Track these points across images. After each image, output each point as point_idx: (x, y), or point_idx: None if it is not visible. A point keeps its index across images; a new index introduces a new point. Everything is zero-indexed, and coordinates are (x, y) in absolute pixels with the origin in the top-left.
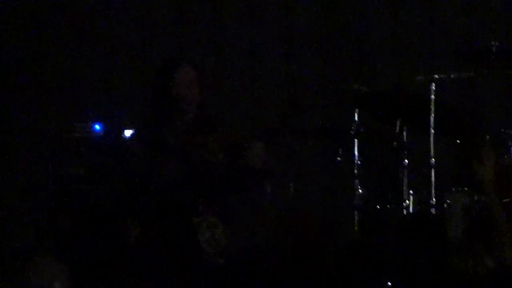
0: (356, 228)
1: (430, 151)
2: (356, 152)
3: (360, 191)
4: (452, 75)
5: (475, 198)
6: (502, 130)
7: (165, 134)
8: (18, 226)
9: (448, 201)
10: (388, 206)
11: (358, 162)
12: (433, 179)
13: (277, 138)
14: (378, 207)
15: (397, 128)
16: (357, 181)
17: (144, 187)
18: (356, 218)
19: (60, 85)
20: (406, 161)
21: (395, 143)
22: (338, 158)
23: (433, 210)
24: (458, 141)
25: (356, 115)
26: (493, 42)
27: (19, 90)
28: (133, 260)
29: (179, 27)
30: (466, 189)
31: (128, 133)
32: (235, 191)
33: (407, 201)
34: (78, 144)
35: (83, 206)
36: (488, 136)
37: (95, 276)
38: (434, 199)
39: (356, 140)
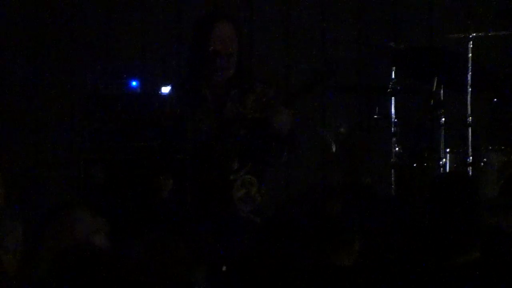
0: (392, 186)
1: (467, 109)
2: (393, 110)
3: (397, 148)
4: (490, 33)
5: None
6: None
7: (202, 89)
8: (53, 180)
9: (485, 160)
10: (424, 164)
11: (395, 119)
12: (469, 137)
13: (314, 94)
14: (414, 165)
15: (434, 86)
16: (394, 139)
17: (180, 142)
18: (393, 175)
19: (96, 42)
20: (443, 119)
21: (432, 101)
22: (375, 116)
23: (469, 169)
24: (495, 99)
25: (393, 72)
26: None
27: (54, 49)
28: (167, 216)
29: None
30: (502, 147)
31: (165, 89)
32: (273, 147)
33: (444, 159)
34: (114, 100)
35: (118, 160)
36: None
37: (130, 230)
38: (470, 158)
39: (393, 97)
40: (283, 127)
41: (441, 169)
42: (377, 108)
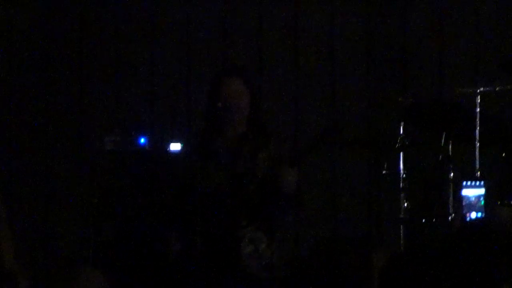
0: (401, 242)
1: (475, 164)
2: (401, 165)
3: (406, 204)
4: (497, 88)
5: None
6: None
7: (215, 145)
8: (62, 236)
9: (494, 215)
10: (433, 219)
11: (404, 174)
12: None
13: (323, 146)
14: (423, 220)
15: (443, 140)
16: (402, 194)
17: (190, 199)
18: (402, 231)
19: (105, 99)
20: (452, 174)
21: (440, 156)
22: (384, 171)
23: (479, 224)
24: (503, 154)
25: (401, 127)
26: None
27: (65, 105)
28: (175, 271)
29: (224, 39)
30: None
31: (173, 146)
32: (280, 205)
33: (453, 215)
34: (123, 156)
35: (127, 216)
36: None
37: (138, 286)
38: (480, 213)
39: (401, 152)
40: (288, 186)
41: (450, 224)
42: (385, 163)
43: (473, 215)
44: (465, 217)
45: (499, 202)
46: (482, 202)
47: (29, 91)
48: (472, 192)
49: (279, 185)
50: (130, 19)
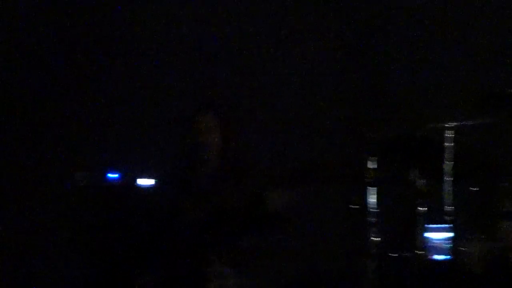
0: (371, 276)
1: (446, 198)
2: (371, 199)
3: (375, 238)
4: (469, 122)
5: (493, 245)
6: None
7: (188, 181)
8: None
9: (464, 249)
10: (403, 254)
11: (373, 209)
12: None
13: (296, 186)
14: (393, 255)
15: (414, 175)
16: (372, 228)
17: (161, 234)
18: (372, 265)
19: (75, 133)
20: (423, 208)
21: (411, 190)
22: (354, 206)
23: (450, 257)
24: (475, 188)
25: (371, 162)
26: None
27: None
28: None
29: (197, 70)
30: (483, 236)
31: (145, 181)
32: (252, 239)
33: (423, 250)
34: (94, 192)
35: (95, 252)
36: (506, 183)
37: None
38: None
39: (371, 187)
40: (278, 207)
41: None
42: (355, 198)
43: (440, 257)
44: (431, 258)
45: (471, 236)
46: (449, 245)
47: None
48: (439, 235)
49: (267, 207)
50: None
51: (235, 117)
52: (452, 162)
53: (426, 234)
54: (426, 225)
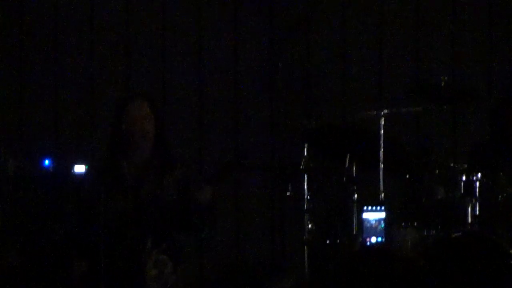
0: (305, 264)
1: (379, 186)
2: (305, 187)
3: (310, 225)
4: (401, 110)
5: (424, 233)
6: (451, 165)
7: (119, 169)
8: None
9: (398, 237)
10: (337, 241)
11: (308, 196)
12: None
13: (228, 175)
14: (327, 241)
15: (347, 163)
16: (306, 215)
17: (94, 222)
18: (306, 253)
19: (10, 120)
20: (356, 196)
21: (344, 178)
22: (288, 193)
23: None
24: (407, 176)
25: (305, 150)
26: (442, 77)
27: None
28: None
29: (129, 63)
30: (415, 224)
31: (77, 168)
32: (184, 228)
33: (358, 236)
34: (27, 180)
35: (30, 241)
36: (437, 171)
37: None
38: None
39: (305, 175)
40: (206, 203)
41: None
42: (290, 185)
43: (373, 239)
44: (365, 240)
45: (403, 224)
46: (382, 226)
47: None
48: (373, 215)
49: (196, 202)
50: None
51: (165, 109)
52: (383, 150)
53: (363, 215)
54: (363, 206)
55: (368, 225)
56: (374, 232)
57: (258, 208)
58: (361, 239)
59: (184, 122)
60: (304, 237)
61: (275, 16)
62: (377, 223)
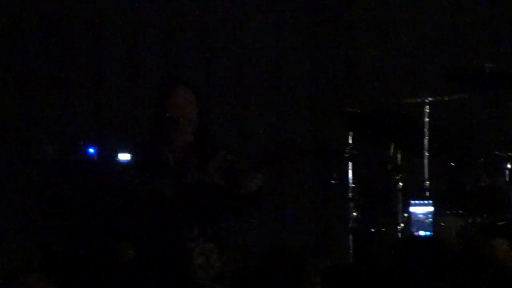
0: (350, 251)
1: (424, 173)
2: (350, 175)
3: (354, 213)
4: (445, 98)
5: (469, 220)
6: (496, 152)
7: (164, 155)
8: (9, 246)
9: (442, 224)
10: (382, 228)
11: (352, 184)
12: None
13: (274, 161)
14: (372, 229)
15: (391, 150)
16: (351, 203)
17: (139, 209)
18: (351, 240)
19: (54, 108)
20: (401, 184)
21: (389, 166)
22: (333, 180)
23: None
24: (452, 163)
25: (350, 137)
26: (486, 64)
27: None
28: (125, 283)
29: (171, 50)
30: (460, 211)
31: (122, 156)
32: (230, 215)
33: (401, 224)
34: (72, 166)
35: (76, 227)
36: (481, 159)
37: None
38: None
39: (350, 162)
40: (254, 188)
41: (399, 233)
42: (334, 173)
43: (421, 233)
44: (412, 234)
45: (448, 212)
46: (430, 219)
47: None
48: (421, 209)
49: (244, 187)
50: (76, 28)
51: (208, 94)
52: (427, 138)
53: (410, 209)
54: (410, 201)
55: (416, 218)
56: (422, 225)
57: (301, 194)
58: (408, 232)
59: (227, 107)
60: (349, 224)
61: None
62: (424, 217)
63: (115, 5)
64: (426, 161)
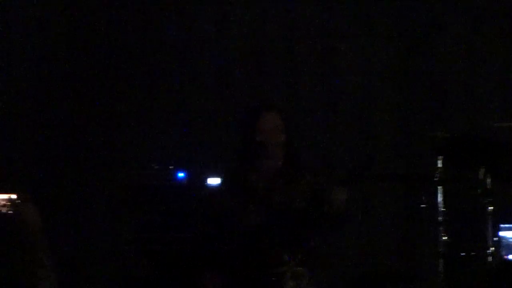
0: (441, 276)
1: None
2: (439, 199)
3: (445, 238)
4: None
5: None
6: None
7: (252, 180)
8: (96, 272)
9: None
10: (473, 253)
11: (442, 208)
12: None
13: (360, 184)
14: (463, 254)
15: (481, 174)
16: (441, 228)
17: (228, 235)
18: (441, 265)
19: (144, 133)
20: (490, 207)
21: (479, 190)
22: (422, 205)
23: None
24: None
25: (439, 161)
26: None
27: (101, 138)
28: None
29: (256, 73)
30: None
31: (211, 180)
32: (318, 237)
33: (491, 248)
34: (161, 190)
35: (163, 253)
36: None
37: None
38: None
39: (439, 186)
40: (340, 204)
41: (490, 257)
42: (423, 197)
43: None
44: (502, 258)
45: None
46: None
47: (63, 123)
48: (511, 234)
49: (329, 204)
50: (166, 53)
51: (295, 116)
52: None
53: (500, 233)
54: (499, 224)
55: (506, 242)
56: None
57: (387, 218)
58: (498, 256)
59: (313, 128)
60: (440, 249)
61: (405, 23)
62: None
63: (205, 32)
64: None
